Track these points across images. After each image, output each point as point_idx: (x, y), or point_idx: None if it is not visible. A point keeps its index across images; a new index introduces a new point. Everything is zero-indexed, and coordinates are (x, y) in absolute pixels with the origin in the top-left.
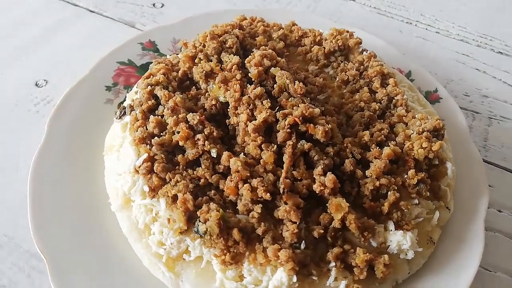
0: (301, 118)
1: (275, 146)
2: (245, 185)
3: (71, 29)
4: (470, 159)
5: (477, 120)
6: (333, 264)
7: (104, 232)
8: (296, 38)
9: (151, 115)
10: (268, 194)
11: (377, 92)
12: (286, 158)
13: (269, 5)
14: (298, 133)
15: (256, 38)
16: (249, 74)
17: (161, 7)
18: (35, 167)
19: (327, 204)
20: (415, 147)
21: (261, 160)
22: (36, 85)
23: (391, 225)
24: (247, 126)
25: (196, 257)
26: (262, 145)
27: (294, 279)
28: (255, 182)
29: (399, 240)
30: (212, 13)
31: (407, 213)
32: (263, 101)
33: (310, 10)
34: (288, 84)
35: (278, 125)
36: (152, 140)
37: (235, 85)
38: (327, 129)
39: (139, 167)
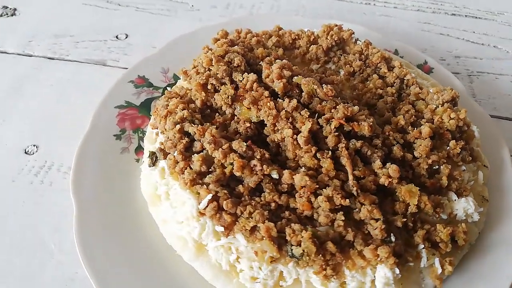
0: (343, 119)
1: (330, 152)
2: (319, 197)
3: (36, 83)
4: (478, 117)
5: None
6: (422, 246)
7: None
8: (290, 41)
9: (193, 154)
10: (347, 200)
11: (385, 77)
12: (345, 161)
13: (234, 12)
14: (343, 133)
15: (254, 51)
16: (272, 88)
17: (126, 38)
18: (81, 241)
19: (397, 194)
20: (445, 119)
21: (322, 169)
22: (26, 152)
23: (453, 196)
24: (295, 139)
25: (293, 281)
26: (317, 154)
27: (397, 271)
28: (327, 191)
29: (464, 206)
30: (188, 34)
31: (461, 181)
32: (301, 112)
33: (274, 10)
34: (316, 89)
35: (324, 131)
36: (204, 179)
37: (268, 103)
38: (371, 123)
39: (205, 209)
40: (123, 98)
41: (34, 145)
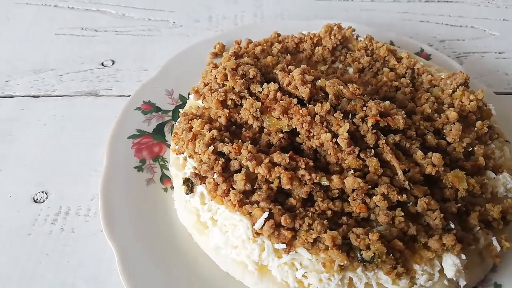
0: (378, 115)
1: (372, 150)
2: (375, 197)
3: (27, 125)
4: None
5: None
6: (477, 227)
7: None
8: (294, 46)
9: (231, 174)
10: (404, 195)
11: (396, 69)
12: (390, 157)
13: (219, 24)
14: (378, 129)
15: (261, 60)
16: (296, 94)
17: (113, 64)
18: (129, 282)
19: (443, 181)
20: (465, 101)
21: (369, 168)
22: (36, 201)
23: (491, 174)
24: (334, 143)
25: (364, 285)
26: (360, 154)
27: (464, 257)
28: (381, 190)
29: (503, 182)
30: (184, 52)
31: (494, 158)
32: (334, 115)
33: (259, 17)
34: (342, 90)
35: (361, 130)
36: (250, 198)
37: (300, 111)
38: (404, 116)
39: (261, 228)
40: (134, 127)
41: (42, 192)
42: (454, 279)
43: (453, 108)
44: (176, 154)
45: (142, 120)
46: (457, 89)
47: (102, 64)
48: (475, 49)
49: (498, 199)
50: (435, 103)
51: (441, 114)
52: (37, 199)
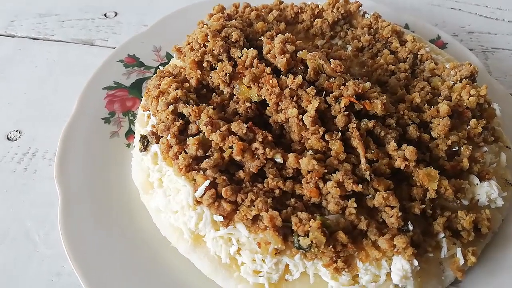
0: (354, 96)
1: (339, 133)
2: (328, 182)
3: (20, 65)
4: (497, 95)
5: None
6: (442, 235)
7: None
8: (292, 15)
9: (188, 137)
10: (360, 185)
11: (397, 52)
12: (356, 142)
13: None
14: (353, 113)
15: (254, 25)
16: (275, 64)
17: (115, 16)
18: (67, 233)
19: (413, 178)
20: (464, 96)
21: (331, 152)
22: (8, 138)
23: (475, 179)
24: (300, 120)
25: (300, 274)
26: (325, 136)
27: (416, 263)
28: (337, 176)
29: (487, 191)
30: (181, 11)
31: (483, 163)
32: (306, 90)
33: None
34: (323, 65)
35: (332, 110)
36: (200, 164)
37: (270, 80)
38: (384, 101)
39: (201, 197)
40: (112, 79)
41: (16, 131)
42: (400, 286)
43: (449, 101)
44: (143, 110)
45: (122, 73)
46: (460, 82)
47: (105, 15)
48: (506, 46)
49: (477, 208)
50: (430, 93)
51: (433, 106)
52: (10, 137)
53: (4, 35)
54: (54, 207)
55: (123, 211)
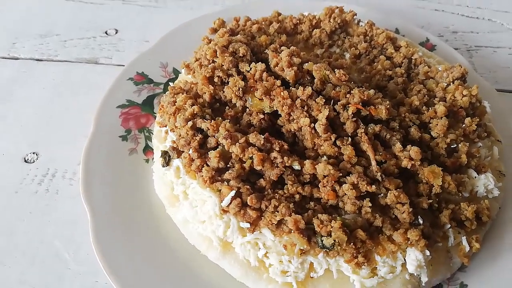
0: (360, 103)
1: (349, 138)
2: (344, 185)
3: (27, 87)
4: (484, 92)
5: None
6: (448, 225)
7: None
8: (292, 27)
9: (208, 151)
10: (373, 186)
11: (393, 57)
12: (366, 146)
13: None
14: (360, 118)
15: (256, 39)
16: (283, 76)
17: (116, 33)
18: (100, 248)
19: (419, 176)
20: (457, 96)
21: (344, 156)
22: (26, 161)
23: (473, 173)
24: (312, 128)
25: (324, 271)
26: (337, 142)
27: (428, 253)
28: (352, 179)
29: (484, 182)
30: (183, 26)
31: (479, 157)
32: (316, 99)
33: None
34: (328, 75)
35: (341, 117)
36: (222, 175)
37: (281, 93)
38: (388, 106)
39: (228, 206)
40: (124, 97)
41: (33, 153)
42: (416, 274)
43: (444, 102)
44: (160, 126)
45: (133, 91)
46: (452, 83)
47: (106, 32)
48: (488, 43)
49: (476, 199)
50: (426, 95)
51: (430, 108)
52: (27, 159)
53: (7, 58)
54: (79, 224)
55: (150, 223)
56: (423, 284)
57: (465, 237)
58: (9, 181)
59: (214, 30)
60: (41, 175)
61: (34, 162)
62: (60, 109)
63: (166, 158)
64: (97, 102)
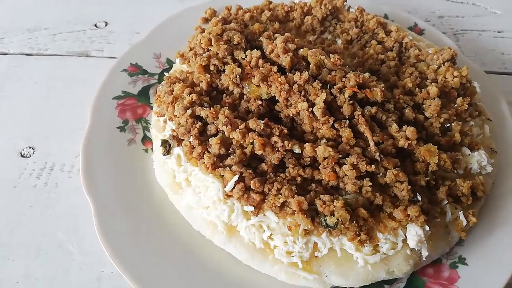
0: (356, 86)
1: (347, 121)
2: (344, 166)
3: (19, 82)
4: (473, 73)
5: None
6: (445, 201)
7: None
8: (283, 14)
9: (208, 138)
10: (372, 165)
11: (384, 42)
12: (363, 128)
13: None
14: (356, 101)
15: (249, 27)
16: (279, 62)
17: (106, 26)
18: (106, 239)
19: (416, 154)
20: (448, 78)
21: (342, 139)
22: (23, 155)
23: (466, 150)
24: (310, 112)
25: (328, 250)
26: (335, 124)
27: (427, 228)
28: (351, 160)
29: (478, 159)
30: (174, 16)
31: (471, 136)
32: (313, 84)
33: None
34: (323, 60)
35: (338, 101)
36: (224, 161)
37: (279, 78)
38: (383, 88)
39: (232, 191)
40: (119, 88)
41: (29, 147)
42: (416, 249)
43: (436, 83)
44: (157, 116)
45: (128, 82)
46: (443, 65)
47: (95, 25)
48: (473, 27)
49: (471, 176)
50: (419, 78)
51: (423, 89)
52: (24, 153)
53: None
54: (82, 216)
55: (153, 212)
56: (423, 259)
57: (462, 212)
58: (7, 176)
59: (206, 20)
60: (39, 169)
61: (30, 156)
62: (54, 103)
63: (167, 147)
64: (91, 94)
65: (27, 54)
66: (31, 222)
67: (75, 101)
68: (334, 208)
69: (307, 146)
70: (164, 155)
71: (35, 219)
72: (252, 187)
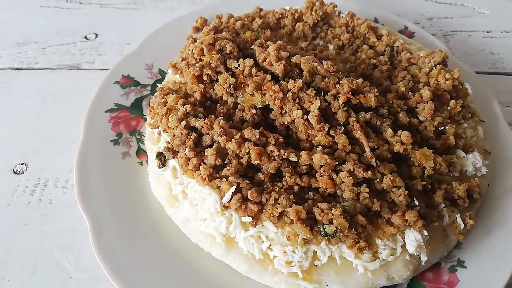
0: (350, 92)
1: (342, 127)
2: (341, 173)
3: (10, 97)
4: (464, 75)
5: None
6: (442, 205)
7: None
8: (274, 21)
9: (203, 149)
10: (369, 172)
11: (375, 46)
12: (359, 134)
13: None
14: (350, 107)
15: (241, 35)
16: (272, 71)
17: (96, 37)
18: (102, 255)
19: (411, 159)
20: (441, 80)
21: (338, 145)
22: (15, 172)
23: (461, 153)
24: (305, 120)
25: (328, 258)
26: (330, 131)
27: (425, 233)
28: (348, 166)
29: (472, 161)
30: (165, 26)
31: (465, 138)
32: (306, 91)
33: None
34: (316, 67)
35: (332, 107)
36: (220, 172)
37: (273, 87)
38: (376, 94)
39: (229, 202)
40: (112, 101)
41: (22, 163)
42: (415, 254)
43: (429, 87)
44: (152, 128)
45: (120, 94)
46: (435, 68)
47: (85, 37)
48: (462, 28)
49: (466, 178)
50: (411, 81)
51: (416, 93)
52: (16, 170)
53: None
54: (77, 232)
55: (150, 225)
56: (423, 263)
57: (459, 215)
58: (0, 194)
59: (197, 29)
60: (33, 186)
61: (23, 173)
62: (46, 117)
63: (162, 159)
64: (84, 108)
65: (17, 69)
66: (26, 240)
67: (67, 115)
68: (332, 216)
69: (303, 154)
70: (159, 167)
71: (30, 237)
72: (249, 197)
